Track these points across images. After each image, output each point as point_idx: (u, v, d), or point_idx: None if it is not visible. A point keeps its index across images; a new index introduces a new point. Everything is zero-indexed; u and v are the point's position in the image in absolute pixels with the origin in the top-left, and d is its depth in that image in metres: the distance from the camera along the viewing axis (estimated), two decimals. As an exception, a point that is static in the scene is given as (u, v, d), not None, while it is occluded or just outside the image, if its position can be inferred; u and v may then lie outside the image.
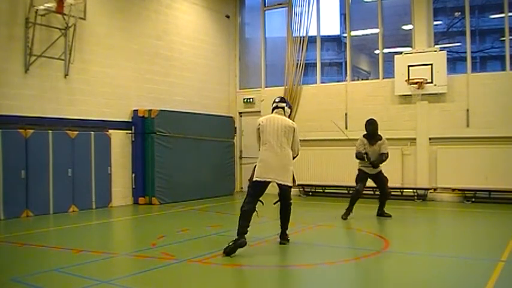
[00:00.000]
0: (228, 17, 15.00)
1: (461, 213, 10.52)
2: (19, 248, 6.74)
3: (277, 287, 5.15)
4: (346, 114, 13.26)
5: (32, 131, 9.62)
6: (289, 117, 6.81)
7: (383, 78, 13.16)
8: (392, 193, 8.73)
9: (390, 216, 9.17)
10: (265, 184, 6.43)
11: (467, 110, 11.90)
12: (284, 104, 6.76)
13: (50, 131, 9.96)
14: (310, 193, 13.56)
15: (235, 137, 14.62)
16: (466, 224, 9.41)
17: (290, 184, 6.53)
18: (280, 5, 14.62)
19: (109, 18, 11.40)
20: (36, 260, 6.08)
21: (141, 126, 11.74)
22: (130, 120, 11.79)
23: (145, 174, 11.72)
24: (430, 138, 12.22)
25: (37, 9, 9.66)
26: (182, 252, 6.31)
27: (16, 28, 9.58)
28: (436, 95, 12.11)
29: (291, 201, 6.73)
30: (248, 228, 6.16)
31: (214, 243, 6.98)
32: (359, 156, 9.22)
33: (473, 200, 11.64)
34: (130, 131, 11.76)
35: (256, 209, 6.34)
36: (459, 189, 11.83)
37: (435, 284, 5.07)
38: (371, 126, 9.32)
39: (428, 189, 12.14)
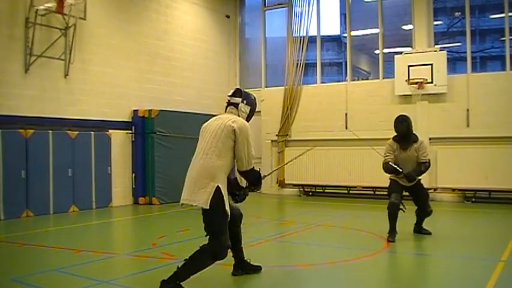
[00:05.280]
0: (228, 17, 15.00)
1: (461, 213, 10.52)
2: (19, 248, 6.73)
3: (277, 287, 5.14)
4: (346, 114, 13.26)
5: (32, 131, 9.61)
6: (249, 117, 4.82)
7: (383, 78, 13.16)
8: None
9: (430, 233, 7.37)
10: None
11: (467, 110, 11.90)
12: (239, 99, 4.76)
13: (50, 131, 9.95)
14: (310, 193, 13.56)
15: (235, 137, 14.56)
16: (466, 224, 9.40)
17: (204, 205, 4.38)
18: (280, 5, 14.62)
19: (109, 18, 11.40)
20: (36, 260, 6.08)
21: (141, 126, 11.74)
22: (130, 120, 11.79)
23: (145, 174, 11.72)
24: (430, 138, 12.18)
25: (37, 9, 9.65)
26: (182, 252, 6.26)
27: (16, 28, 9.57)
28: (436, 95, 12.11)
29: (207, 247, 4.65)
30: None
31: (214, 243, 6.97)
32: (388, 169, 7.02)
33: (473, 200, 11.63)
34: (130, 131, 11.75)
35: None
36: (459, 189, 11.82)
37: (435, 284, 5.06)
38: (402, 125, 7.04)
39: (428, 189, 12.09)
